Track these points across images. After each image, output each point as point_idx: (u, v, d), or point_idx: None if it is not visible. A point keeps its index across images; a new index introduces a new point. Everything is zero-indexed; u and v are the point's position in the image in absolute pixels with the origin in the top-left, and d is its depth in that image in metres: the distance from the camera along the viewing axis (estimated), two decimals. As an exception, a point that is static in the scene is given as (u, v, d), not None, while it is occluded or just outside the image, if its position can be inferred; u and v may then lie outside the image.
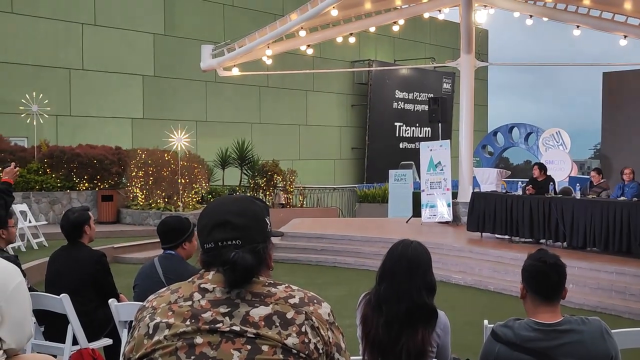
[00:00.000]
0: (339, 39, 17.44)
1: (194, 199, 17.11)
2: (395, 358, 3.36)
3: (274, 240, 2.16)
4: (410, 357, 3.32)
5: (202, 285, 1.97)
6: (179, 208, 15.98)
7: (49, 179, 16.40)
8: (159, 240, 4.87)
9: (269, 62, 17.34)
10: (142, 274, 4.79)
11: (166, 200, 16.54)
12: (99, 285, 5.15)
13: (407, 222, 15.71)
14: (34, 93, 17.42)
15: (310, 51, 17.39)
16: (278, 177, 20.48)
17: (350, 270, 12.13)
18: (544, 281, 3.10)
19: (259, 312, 1.89)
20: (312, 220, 16.79)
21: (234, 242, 1.98)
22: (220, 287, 1.94)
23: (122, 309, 4.55)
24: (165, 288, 2.07)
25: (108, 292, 5.10)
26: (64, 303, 4.70)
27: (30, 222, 13.58)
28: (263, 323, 1.87)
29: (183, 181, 16.50)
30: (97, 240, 13.39)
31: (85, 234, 5.25)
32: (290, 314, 1.90)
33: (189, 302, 1.94)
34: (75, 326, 4.78)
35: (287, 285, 2.01)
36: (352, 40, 17.46)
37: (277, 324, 1.88)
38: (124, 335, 4.58)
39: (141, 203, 16.47)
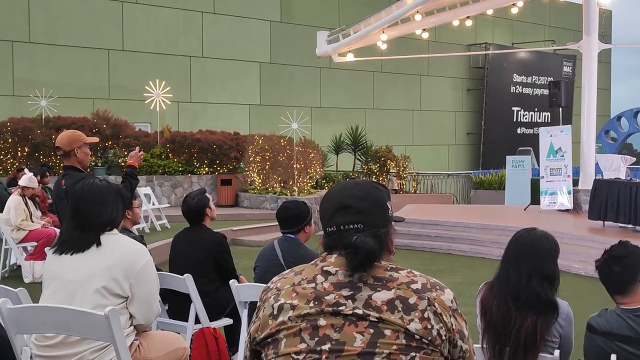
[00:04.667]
0: (456, 23, 17.11)
1: (309, 184, 17.30)
2: (508, 342, 3.33)
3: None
4: (519, 342, 3.27)
5: (324, 268, 2.00)
6: (294, 192, 16.20)
7: (171, 164, 17.01)
8: (275, 223, 4.96)
9: (383, 47, 17.25)
10: (262, 256, 4.90)
11: (282, 184, 16.81)
12: (219, 266, 5.29)
13: (525, 209, 15.30)
14: (157, 80, 18.07)
15: (425, 35, 17.16)
16: (391, 163, 20.40)
17: (466, 257, 11.95)
18: (605, 276, 3.35)
19: (381, 297, 1.90)
20: (426, 207, 16.64)
21: (355, 226, 2.00)
22: (342, 270, 1.97)
23: (242, 290, 4.65)
24: (288, 270, 2.11)
25: (228, 273, 5.24)
26: (187, 283, 4.85)
27: (153, 204, 14.15)
28: (385, 307, 1.88)
29: (298, 166, 16.71)
30: (216, 223, 13.81)
31: (207, 216, 5.38)
32: (412, 299, 1.90)
33: (312, 284, 1.97)
34: (197, 306, 4.93)
35: (409, 270, 2.01)
36: (468, 23, 17.09)
37: (400, 309, 1.88)
38: (243, 315, 4.67)
39: (258, 187, 16.81)
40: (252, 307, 4.65)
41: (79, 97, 19.64)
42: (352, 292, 1.92)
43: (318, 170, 18.16)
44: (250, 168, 17.02)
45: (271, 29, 24.66)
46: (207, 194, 5.46)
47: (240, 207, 16.76)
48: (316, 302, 1.93)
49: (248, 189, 17.00)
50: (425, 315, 1.89)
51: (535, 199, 15.83)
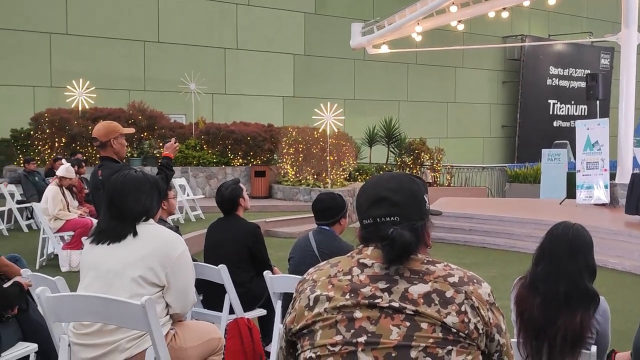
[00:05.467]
0: (491, 14, 16.94)
1: (342, 176, 17.29)
2: (550, 340, 3.28)
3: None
4: (566, 341, 3.23)
5: (361, 260, 1.99)
6: (327, 185, 16.21)
7: (205, 155, 17.13)
8: (308, 215, 4.97)
9: (418, 38, 17.15)
10: (297, 247, 4.92)
11: (315, 176, 16.83)
12: (253, 257, 5.30)
13: (560, 203, 15.12)
14: (192, 72, 18.18)
15: (461, 27, 17.03)
16: (425, 156, 20.31)
17: (500, 251, 11.86)
18: None
19: (417, 290, 1.89)
20: (460, 200, 16.53)
21: (392, 218, 1.99)
22: (378, 262, 1.96)
23: (276, 281, 4.66)
24: (324, 262, 2.11)
25: (262, 264, 5.26)
26: (221, 273, 4.88)
27: (188, 195, 14.27)
28: (422, 300, 1.87)
29: (331, 158, 16.71)
30: (249, 214, 13.89)
31: (240, 206, 5.39)
32: (449, 293, 1.89)
33: (348, 277, 1.97)
34: (232, 296, 4.95)
35: (445, 263, 1.99)
36: (505, 15, 16.90)
37: (436, 302, 1.87)
38: (277, 306, 4.69)
39: (292, 179, 16.85)
40: (287, 298, 4.66)
41: (115, 88, 19.85)
42: (388, 285, 1.91)
43: (351, 162, 18.14)
44: (284, 160, 17.06)
45: (305, 21, 24.65)
46: (240, 184, 5.46)
47: (273, 198, 16.82)
48: (352, 295, 1.92)
49: (281, 181, 17.05)
50: (462, 308, 1.87)
51: (571, 193, 15.65)
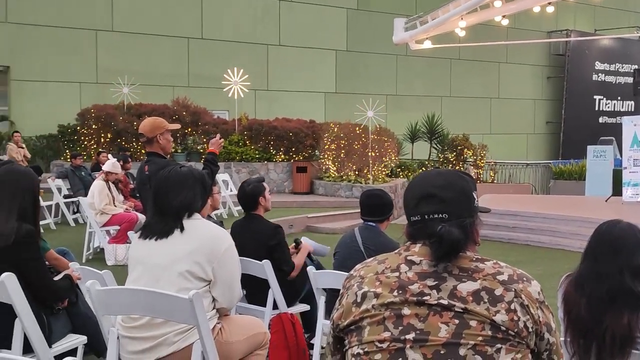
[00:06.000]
0: (537, 9, 16.68)
1: (384, 172, 17.24)
2: (598, 340, 3.22)
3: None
4: (615, 341, 3.17)
5: (408, 257, 1.99)
6: (368, 181, 16.17)
7: (248, 151, 17.24)
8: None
9: (462, 34, 16.99)
10: (342, 243, 4.91)
11: (357, 172, 16.80)
12: (272, 258, 5.06)
13: (606, 200, 14.85)
14: (235, 68, 18.30)
15: (505, 22, 16.81)
16: (468, 152, 20.14)
17: (544, 249, 11.70)
18: None
19: (466, 287, 1.88)
20: (504, 197, 16.36)
21: (440, 215, 1.98)
22: (426, 260, 1.95)
23: (319, 276, 4.67)
24: (372, 258, 2.11)
25: (282, 264, 5.11)
26: (265, 268, 4.90)
27: (231, 190, 14.38)
28: (471, 298, 1.86)
29: (373, 154, 16.67)
30: (292, 210, 13.95)
31: (260, 205, 5.24)
32: (498, 291, 1.88)
33: (396, 273, 1.97)
34: (275, 291, 4.98)
35: (495, 261, 1.98)
36: (550, 9, 16.60)
37: (486, 300, 1.86)
38: (320, 301, 4.70)
39: (333, 175, 16.85)
40: (331, 293, 4.67)
41: (160, 84, 20.08)
42: (436, 282, 1.91)
43: (393, 158, 18.08)
44: (326, 156, 17.07)
45: (347, 17, 24.62)
46: (264, 184, 5.33)
47: (315, 194, 16.84)
48: (400, 291, 1.92)
49: (323, 177, 17.06)
50: (512, 307, 1.86)
51: (617, 190, 15.35)
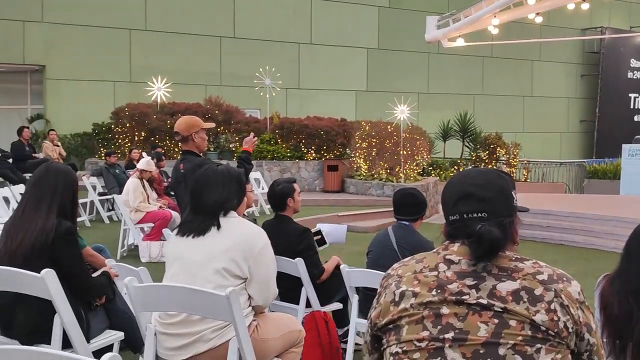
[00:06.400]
0: (571, 6, 16.46)
1: (415, 171, 17.18)
2: (633, 340, 3.19)
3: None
4: None
5: (447, 257, 1.98)
6: (400, 179, 16.13)
7: (279, 149, 17.28)
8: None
9: (495, 31, 16.84)
10: (376, 242, 4.91)
11: (388, 171, 16.75)
12: (304, 259, 5.03)
13: (642, 200, 14.66)
14: (266, 67, 18.36)
15: (539, 19, 16.61)
16: (501, 150, 19.99)
17: (579, 249, 11.56)
18: None
19: (506, 287, 1.88)
20: (537, 196, 16.20)
21: (479, 214, 1.97)
22: (465, 259, 1.95)
23: (353, 275, 4.67)
24: (409, 257, 2.11)
25: (311, 268, 5.05)
26: (298, 266, 4.92)
27: (263, 189, 14.43)
28: (511, 298, 1.86)
29: (405, 153, 16.60)
30: (323, 208, 13.94)
31: (289, 206, 5.20)
32: (538, 290, 1.87)
33: (435, 273, 1.96)
34: (308, 289, 4.99)
35: (534, 261, 1.97)
36: (585, 6, 16.37)
37: (525, 300, 1.85)
38: (354, 300, 4.71)
39: (364, 173, 16.82)
40: (364, 292, 4.67)
41: (192, 83, 20.24)
42: (475, 282, 1.90)
43: (425, 157, 17.99)
44: (357, 154, 17.04)
45: (379, 15, 24.57)
46: (295, 184, 5.28)
47: (346, 192, 16.83)
48: (439, 291, 1.92)
49: (354, 175, 17.04)
50: (552, 307, 1.85)
51: (653, 190, 15.15)
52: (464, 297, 1.88)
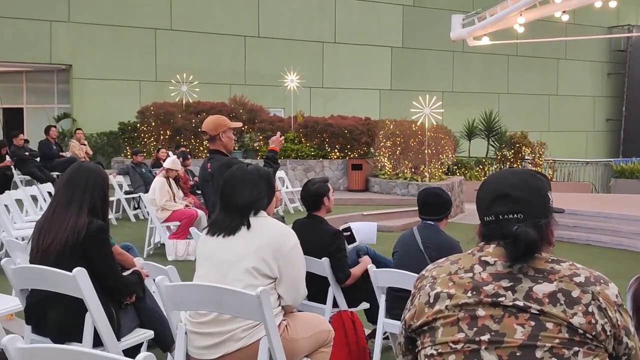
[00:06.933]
0: (598, 4, 16.27)
1: (440, 170, 17.10)
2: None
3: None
4: None
5: (482, 258, 1.97)
6: (425, 179, 16.07)
7: (303, 148, 17.29)
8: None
9: (520, 30, 16.71)
10: (401, 242, 4.89)
11: (413, 170, 16.70)
12: (331, 263, 5.02)
13: (670, 200, 14.49)
14: (291, 66, 18.38)
15: (565, 17, 16.45)
16: (526, 149, 19.84)
17: (606, 249, 11.47)
18: None
19: (542, 289, 1.86)
20: (563, 195, 16.07)
21: (515, 215, 1.96)
22: (501, 260, 1.93)
23: (380, 275, 4.66)
24: (444, 258, 2.10)
25: (337, 271, 5.03)
26: (324, 266, 4.92)
27: (287, 187, 14.47)
28: (547, 300, 1.84)
29: (429, 152, 16.53)
30: (347, 207, 13.93)
31: (324, 205, 5.18)
32: (575, 293, 1.85)
33: (470, 274, 1.95)
34: (335, 289, 4.99)
35: (571, 262, 1.95)
36: (612, 4, 16.17)
37: (562, 302, 1.83)
38: (381, 300, 4.70)
39: (389, 173, 16.77)
40: (390, 292, 4.66)
41: (217, 82, 20.32)
42: (511, 284, 1.89)
43: (450, 156, 17.91)
44: (381, 153, 17.00)
45: (403, 13, 24.50)
46: (328, 184, 5.29)
47: (370, 192, 16.80)
48: (474, 292, 1.91)
49: (378, 174, 17.00)
50: (589, 309, 1.83)
51: (682, 190, 14.97)
52: (500, 299, 1.87)
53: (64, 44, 19.35)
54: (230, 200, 3.42)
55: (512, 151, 19.78)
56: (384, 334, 4.79)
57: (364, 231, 5.81)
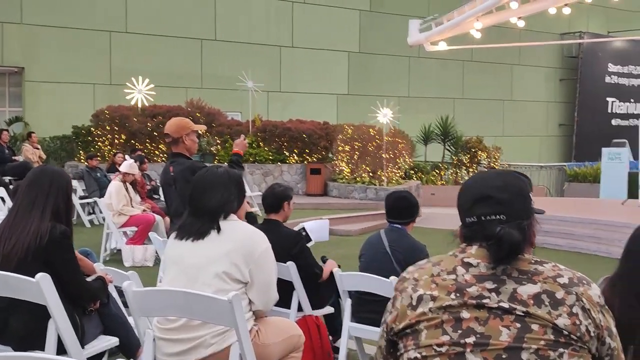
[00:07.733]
0: (552, 10, 16.54)
1: (397, 174, 17.20)
2: (634, 343, 3.19)
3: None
4: None
5: (465, 260, 1.95)
6: (382, 183, 16.13)
7: (262, 152, 17.21)
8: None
9: (477, 35, 16.88)
10: (368, 245, 4.88)
11: (371, 174, 16.76)
12: (300, 264, 4.93)
13: (622, 203, 14.77)
14: (248, 70, 18.29)
15: (521, 23, 16.65)
16: (482, 154, 20.07)
17: (561, 252, 11.62)
18: None
19: (527, 290, 1.85)
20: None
21: (498, 216, 1.95)
22: (484, 262, 1.92)
23: (345, 279, 4.64)
24: (425, 260, 2.08)
25: (313, 268, 5.02)
26: (290, 270, 4.87)
27: (247, 191, 14.34)
28: (532, 301, 1.83)
29: (387, 156, 16.61)
30: (305, 212, 13.88)
31: (283, 210, 5.11)
32: (560, 294, 1.85)
33: (453, 276, 1.93)
34: (300, 294, 4.94)
35: (554, 264, 1.96)
36: (567, 11, 16.45)
37: (547, 303, 1.83)
38: (346, 304, 4.67)
39: (347, 177, 16.81)
40: (356, 295, 4.63)
41: (173, 86, 20.10)
42: (496, 285, 1.87)
43: (407, 160, 18.03)
44: (339, 157, 17.03)
45: (360, 18, 24.60)
46: (292, 194, 5.25)
47: (329, 196, 16.80)
48: (458, 294, 1.89)
49: (337, 179, 17.02)
50: (574, 310, 1.83)
51: (633, 193, 15.25)
52: (484, 301, 1.85)
53: (15, 46, 18.95)
54: (200, 204, 3.35)
55: (469, 156, 19.99)
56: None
57: (317, 230, 5.77)
